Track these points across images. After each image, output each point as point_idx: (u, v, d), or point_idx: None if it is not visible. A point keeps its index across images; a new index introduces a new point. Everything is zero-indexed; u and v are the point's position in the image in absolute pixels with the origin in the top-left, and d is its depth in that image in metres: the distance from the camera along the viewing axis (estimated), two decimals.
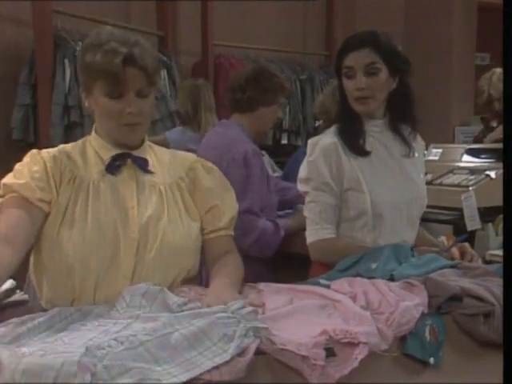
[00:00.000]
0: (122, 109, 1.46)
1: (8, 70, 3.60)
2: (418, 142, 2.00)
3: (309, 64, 5.12)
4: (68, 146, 1.58)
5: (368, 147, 1.86)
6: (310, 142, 1.91)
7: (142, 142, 1.59)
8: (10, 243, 1.38)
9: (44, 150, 1.54)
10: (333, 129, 1.90)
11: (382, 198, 1.82)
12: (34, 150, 1.54)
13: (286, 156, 3.74)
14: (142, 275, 1.44)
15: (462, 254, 1.78)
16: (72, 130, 3.43)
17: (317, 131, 2.81)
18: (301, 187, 1.90)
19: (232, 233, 1.64)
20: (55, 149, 1.56)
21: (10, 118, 3.45)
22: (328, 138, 1.86)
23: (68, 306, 1.38)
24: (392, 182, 1.86)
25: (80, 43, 3.48)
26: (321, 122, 3.16)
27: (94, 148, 1.55)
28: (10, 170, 1.49)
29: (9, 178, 1.47)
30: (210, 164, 1.67)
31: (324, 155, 1.83)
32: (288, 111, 4.79)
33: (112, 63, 1.42)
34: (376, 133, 1.89)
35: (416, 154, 1.96)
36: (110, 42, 1.45)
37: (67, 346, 1.09)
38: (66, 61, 3.42)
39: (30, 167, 1.48)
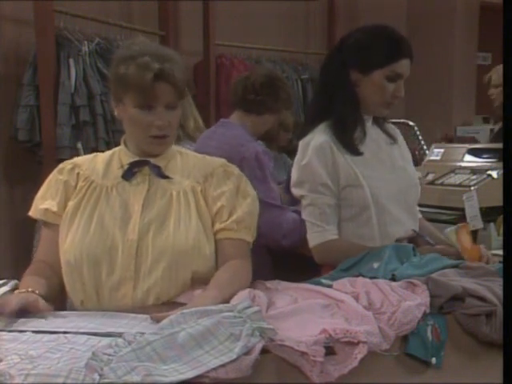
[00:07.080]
0: (151, 121, 1.49)
1: (10, 71, 3.60)
2: (394, 130, 2.02)
3: (310, 64, 5.11)
4: (100, 155, 1.64)
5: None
6: (301, 143, 1.87)
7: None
8: (49, 265, 1.53)
9: (68, 161, 1.62)
10: (322, 127, 1.85)
11: (381, 190, 1.82)
12: (59, 166, 1.61)
13: (287, 155, 3.73)
14: (145, 276, 1.45)
15: (480, 257, 1.74)
16: (82, 130, 3.41)
17: None
18: (295, 191, 1.87)
19: (244, 237, 1.56)
20: (83, 157, 1.64)
21: (13, 119, 3.44)
22: (319, 137, 1.82)
23: (78, 307, 1.48)
24: (386, 173, 1.87)
25: (85, 42, 3.48)
26: None
27: (119, 158, 1.59)
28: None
29: (32, 209, 1.60)
30: (232, 169, 1.63)
31: (318, 155, 1.79)
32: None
33: (144, 78, 1.45)
34: (367, 128, 1.90)
35: (399, 142, 2.00)
36: (144, 56, 1.47)
37: (71, 345, 1.09)
38: (71, 60, 3.40)
39: (44, 193, 1.58)
